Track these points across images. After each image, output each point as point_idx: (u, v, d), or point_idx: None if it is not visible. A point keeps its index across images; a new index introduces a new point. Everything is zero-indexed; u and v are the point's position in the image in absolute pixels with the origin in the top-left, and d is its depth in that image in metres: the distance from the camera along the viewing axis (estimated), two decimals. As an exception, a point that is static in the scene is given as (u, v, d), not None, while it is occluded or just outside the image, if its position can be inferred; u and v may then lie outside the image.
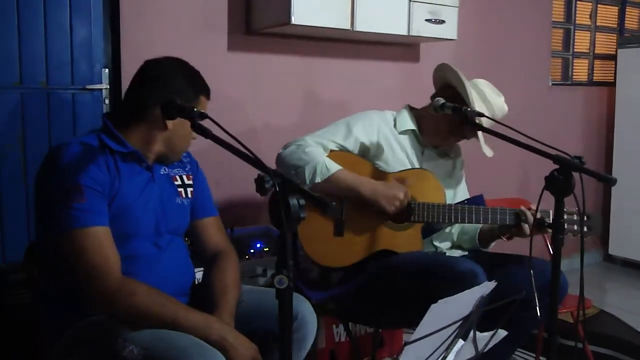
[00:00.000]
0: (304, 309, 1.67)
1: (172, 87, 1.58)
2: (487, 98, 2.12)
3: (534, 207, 1.99)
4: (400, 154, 2.17)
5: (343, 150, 2.11)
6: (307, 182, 1.99)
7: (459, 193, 2.31)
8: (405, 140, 2.20)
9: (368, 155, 2.15)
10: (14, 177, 2.39)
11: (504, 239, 2.13)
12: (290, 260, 1.13)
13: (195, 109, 1.40)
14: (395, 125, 2.21)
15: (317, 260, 2.06)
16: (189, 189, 1.75)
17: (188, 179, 1.75)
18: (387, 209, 1.99)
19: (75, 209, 1.44)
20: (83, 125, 2.51)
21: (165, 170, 1.70)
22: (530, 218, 1.99)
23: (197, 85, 1.65)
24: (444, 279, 1.80)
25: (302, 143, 2.05)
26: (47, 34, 2.40)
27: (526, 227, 2.00)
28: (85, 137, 1.58)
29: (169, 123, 1.57)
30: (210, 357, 1.39)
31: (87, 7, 2.48)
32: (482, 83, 2.17)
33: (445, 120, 2.10)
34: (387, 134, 2.18)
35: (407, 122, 2.21)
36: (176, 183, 1.72)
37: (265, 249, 2.47)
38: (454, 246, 2.29)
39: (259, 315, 1.63)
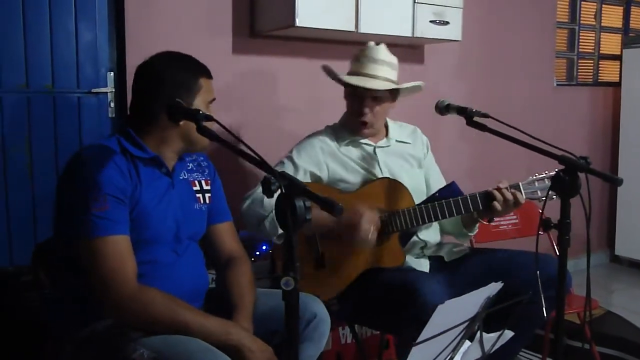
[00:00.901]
0: (319, 309, 1.69)
1: (172, 83, 1.56)
2: (357, 55, 2.16)
3: (501, 185, 2.00)
4: (353, 166, 2.15)
5: None
6: (273, 236, 1.97)
7: (432, 177, 2.29)
8: (352, 150, 2.19)
9: (322, 180, 2.13)
10: (20, 179, 2.40)
11: (484, 222, 2.13)
12: (297, 262, 1.13)
13: (201, 112, 1.40)
14: (337, 140, 2.19)
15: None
16: (207, 195, 1.74)
17: (206, 184, 1.75)
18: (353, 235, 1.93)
19: (97, 217, 1.44)
20: (88, 128, 2.52)
21: (185, 175, 1.70)
22: (499, 196, 1.99)
23: (193, 69, 1.62)
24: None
25: (255, 196, 2.00)
26: (52, 37, 2.41)
27: (497, 205, 1.99)
28: (107, 140, 1.57)
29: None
30: None
31: (93, 11, 2.49)
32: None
33: (349, 102, 2.17)
34: (333, 151, 2.16)
35: (346, 133, 2.21)
36: (195, 189, 1.71)
37: (270, 251, 2.46)
38: (444, 232, 2.27)
39: (277, 316, 1.64)
